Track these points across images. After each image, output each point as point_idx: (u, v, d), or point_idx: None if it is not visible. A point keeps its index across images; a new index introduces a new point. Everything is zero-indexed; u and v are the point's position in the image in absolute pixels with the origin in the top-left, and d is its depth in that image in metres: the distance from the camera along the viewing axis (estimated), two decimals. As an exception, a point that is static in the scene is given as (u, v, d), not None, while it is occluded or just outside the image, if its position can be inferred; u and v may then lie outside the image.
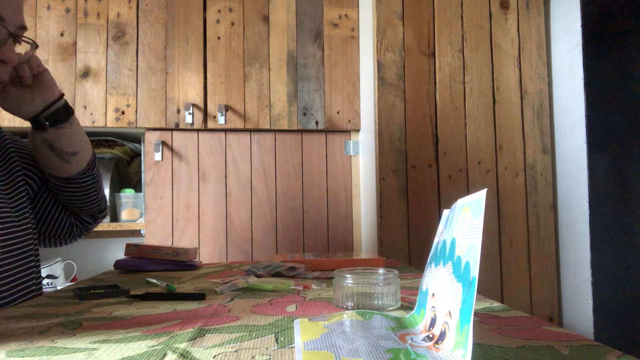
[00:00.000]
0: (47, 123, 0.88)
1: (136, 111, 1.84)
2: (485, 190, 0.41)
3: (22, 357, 0.45)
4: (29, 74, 0.84)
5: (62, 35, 1.83)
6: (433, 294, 0.48)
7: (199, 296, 0.73)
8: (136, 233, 2.07)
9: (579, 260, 1.69)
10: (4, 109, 0.87)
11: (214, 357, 0.43)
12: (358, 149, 1.97)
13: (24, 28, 0.83)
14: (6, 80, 0.82)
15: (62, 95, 0.91)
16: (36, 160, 0.96)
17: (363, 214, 1.92)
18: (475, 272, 0.38)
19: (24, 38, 0.84)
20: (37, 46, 0.87)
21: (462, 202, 0.47)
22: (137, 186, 2.13)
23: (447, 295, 0.44)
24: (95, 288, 0.79)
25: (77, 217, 1.05)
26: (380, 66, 1.74)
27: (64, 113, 0.90)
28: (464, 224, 0.44)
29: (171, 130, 1.86)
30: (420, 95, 1.76)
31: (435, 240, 0.55)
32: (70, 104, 1.82)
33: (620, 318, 1.55)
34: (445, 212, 0.55)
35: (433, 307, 0.47)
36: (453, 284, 0.43)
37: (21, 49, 0.86)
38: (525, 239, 1.78)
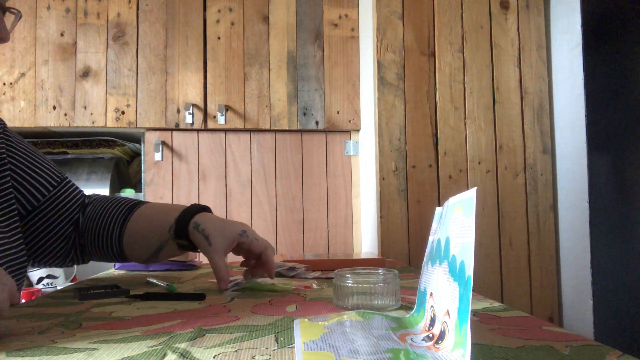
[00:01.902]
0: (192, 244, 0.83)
1: (136, 111, 1.84)
2: (475, 188, 0.41)
3: (22, 357, 0.45)
4: None
5: (62, 35, 1.83)
6: (431, 294, 0.48)
7: (199, 296, 0.73)
8: (136, 233, 2.07)
9: (579, 260, 1.69)
10: None
11: (214, 357, 0.43)
12: (358, 149, 1.97)
13: None
14: None
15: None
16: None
17: (363, 214, 1.92)
18: (470, 271, 0.38)
19: (7, 6, 0.77)
20: (21, 16, 0.79)
21: (453, 201, 0.47)
22: (137, 186, 2.13)
23: (444, 294, 0.44)
24: (95, 288, 0.79)
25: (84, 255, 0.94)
26: (380, 66, 1.74)
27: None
28: (456, 222, 0.44)
29: (171, 130, 1.86)
30: (420, 95, 1.76)
31: (430, 238, 0.55)
32: (70, 104, 1.83)
33: (620, 318, 1.55)
34: (438, 209, 0.54)
35: (432, 306, 0.47)
36: (450, 283, 0.43)
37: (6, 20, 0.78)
38: (525, 239, 1.78)
